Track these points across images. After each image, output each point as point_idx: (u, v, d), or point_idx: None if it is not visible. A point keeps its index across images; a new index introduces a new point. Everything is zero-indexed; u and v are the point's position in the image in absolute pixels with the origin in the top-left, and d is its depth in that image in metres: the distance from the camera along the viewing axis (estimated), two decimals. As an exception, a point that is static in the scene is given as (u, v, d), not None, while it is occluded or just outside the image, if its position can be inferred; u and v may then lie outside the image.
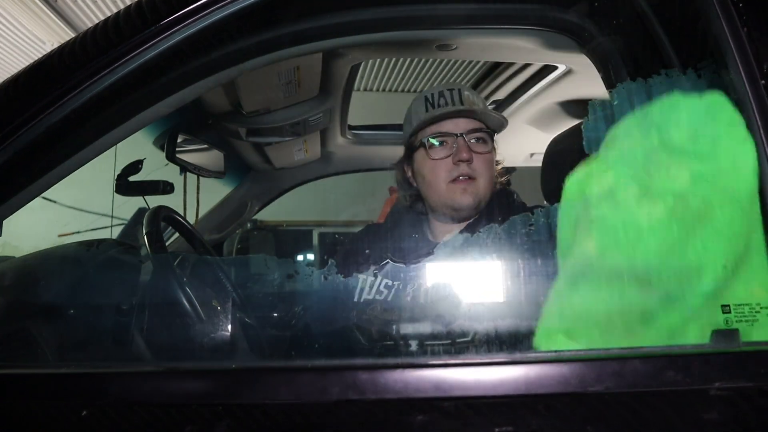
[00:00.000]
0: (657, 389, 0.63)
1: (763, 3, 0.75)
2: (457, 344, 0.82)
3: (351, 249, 1.50)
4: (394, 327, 0.97)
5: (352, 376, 0.64)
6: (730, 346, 0.69)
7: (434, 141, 1.41)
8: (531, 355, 0.71)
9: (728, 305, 0.72)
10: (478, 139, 1.42)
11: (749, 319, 0.72)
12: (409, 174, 1.52)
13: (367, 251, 1.45)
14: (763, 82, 0.71)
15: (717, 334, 0.71)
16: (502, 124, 1.48)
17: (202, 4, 0.84)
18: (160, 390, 0.67)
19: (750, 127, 0.71)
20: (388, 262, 1.31)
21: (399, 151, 2.54)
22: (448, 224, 1.45)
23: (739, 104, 0.73)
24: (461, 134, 1.39)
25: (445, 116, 1.41)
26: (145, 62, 0.83)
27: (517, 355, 0.72)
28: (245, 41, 1.06)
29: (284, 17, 1.09)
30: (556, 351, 0.73)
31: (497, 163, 1.49)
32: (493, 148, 1.46)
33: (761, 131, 0.70)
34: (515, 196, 1.49)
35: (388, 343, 0.94)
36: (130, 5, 0.87)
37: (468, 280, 0.94)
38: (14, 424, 0.67)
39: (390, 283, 1.29)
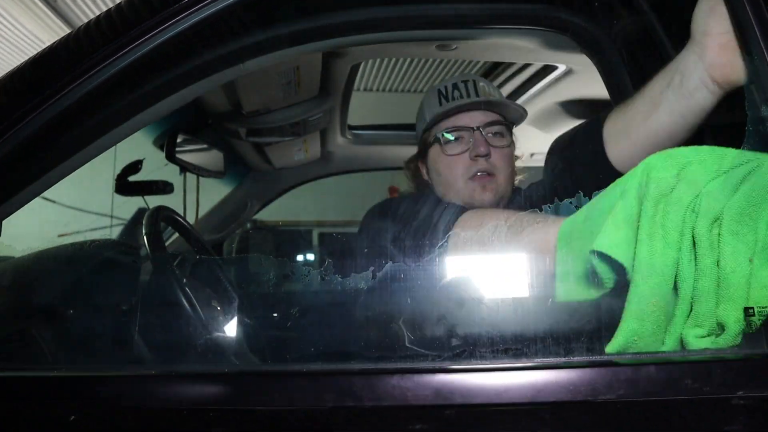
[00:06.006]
0: (673, 398, 0.59)
1: None
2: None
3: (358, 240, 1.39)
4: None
5: (349, 381, 0.61)
6: (753, 351, 0.64)
7: (449, 136, 1.34)
8: (538, 361, 0.67)
9: (752, 308, 0.65)
10: (495, 133, 1.34)
11: None
12: (423, 171, 1.44)
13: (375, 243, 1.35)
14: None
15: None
16: (521, 116, 1.40)
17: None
18: (151, 394, 0.65)
19: None
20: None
21: (399, 151, 2.53)
22: None
23: (764, 91, 0.69)
24: (478, 127, 1.32)
25: (461, 109, 1.33)
26: (142, 56, 0.81)
27: (524, 361, 0.68)
28: (245, 41, 1.06)
29: (284, 17, 1.09)
30: (565, 356, 0.69)
31: (516, 158, 1.40)
32: (512, 142, 1.38)
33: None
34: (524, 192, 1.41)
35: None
36: None
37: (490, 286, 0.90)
38: (4, 427, 0.66)
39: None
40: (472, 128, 1.32)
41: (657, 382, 0.59)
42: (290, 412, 0.61)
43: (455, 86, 1.36)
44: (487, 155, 1.30)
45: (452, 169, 1.33)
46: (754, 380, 0.58)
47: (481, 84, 1.37)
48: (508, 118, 1.37)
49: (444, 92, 1.37)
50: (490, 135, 1.33)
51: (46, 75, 0.81)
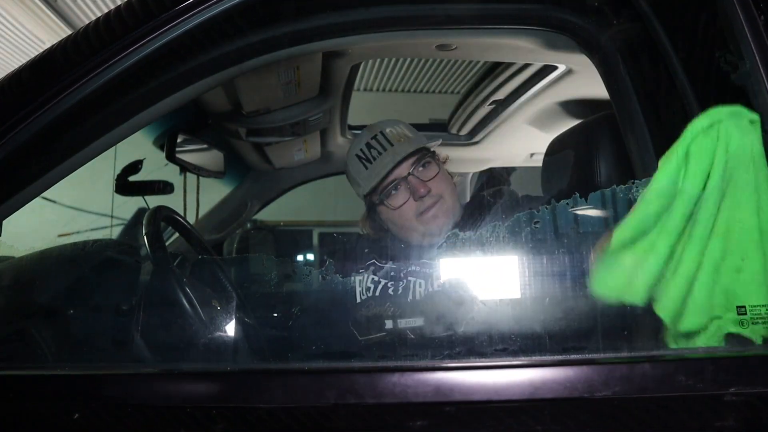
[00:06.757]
0: (667, 394, 0.60)
1: None
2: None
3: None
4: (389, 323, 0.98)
5: (350, 379, 0.63)
6: (745, 349, 0.65)
7: (390, 192, 1.45)
8: (536, 358, 0.68)
9: (744, 306, 0.67)
10: (425, 165, 1.45)
11: (766, 320, 0.67)
12: (377, 225, 1.56)
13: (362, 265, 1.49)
14: (781, 71, 0.68)
15: (731, 336, 0.67)
16: (431, 139, 1.51)
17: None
18: (154, 392, 0.66)
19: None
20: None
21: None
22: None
23: (757, 95, 0.70)
24: (409, 173, 1.43)
25: (388, 173, 1.43)
26: (144, 57, 0.82)
27: (522, 358, 0.69)
28: (245, 41, 1.06)
29: (284, 16, 1.09)
30: (562, 354, 0.69)
31: (453, 175, 1.52)
32: (441, 163, 1.49)
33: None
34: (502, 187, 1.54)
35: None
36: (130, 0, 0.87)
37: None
38: (6, 426, 0.66)
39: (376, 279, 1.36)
40: (405, 176, 1.44)
41: (651, 378, 0.60)
42: (293, 410, 0.62)
43: (369, 145, 1.47)
44: (428, 192, 1.42)
45: (403, 216, 1.45)
46: (746, 377, 0.60)
47: (388, 130, 1.48)
48: (427, 145, 1.48)
49: (363, 155, 1.48)
50: (420, 170, 1.45)
51: (46, 77, 0.82)
